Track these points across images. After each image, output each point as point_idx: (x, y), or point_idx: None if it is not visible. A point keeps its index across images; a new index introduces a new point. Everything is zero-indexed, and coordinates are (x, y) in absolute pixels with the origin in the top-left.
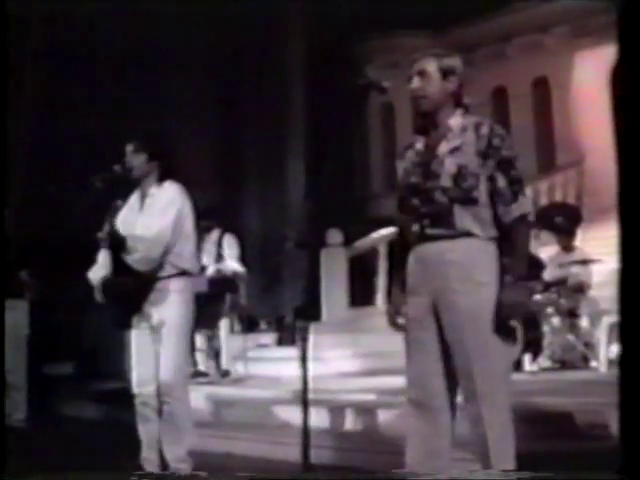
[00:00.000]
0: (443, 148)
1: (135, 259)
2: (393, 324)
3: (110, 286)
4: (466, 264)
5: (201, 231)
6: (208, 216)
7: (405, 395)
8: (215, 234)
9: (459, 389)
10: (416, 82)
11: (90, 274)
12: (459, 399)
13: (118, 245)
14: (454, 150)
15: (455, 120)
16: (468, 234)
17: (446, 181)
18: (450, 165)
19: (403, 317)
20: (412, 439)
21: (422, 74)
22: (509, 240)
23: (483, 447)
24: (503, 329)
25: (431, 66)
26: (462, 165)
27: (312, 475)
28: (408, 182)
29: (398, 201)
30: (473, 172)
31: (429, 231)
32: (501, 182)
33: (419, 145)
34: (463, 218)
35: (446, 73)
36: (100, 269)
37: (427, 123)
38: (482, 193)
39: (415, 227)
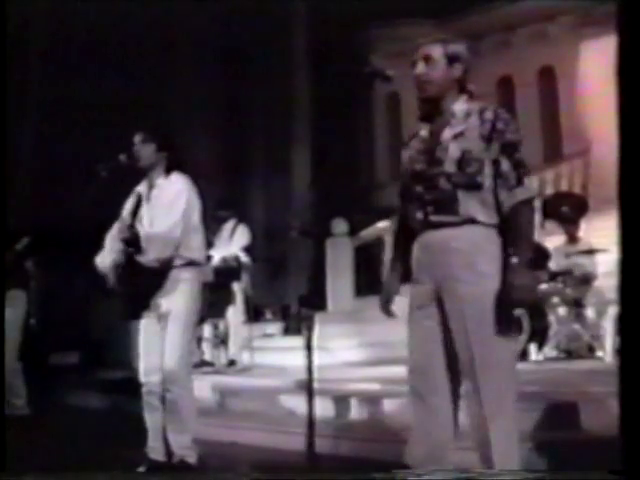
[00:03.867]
0: (447, 134)
1: (148, 259)
2: (386, 311)
3: (125, 276)
4: (470, 252)
5: (218, 221)
6: (226, 207)
7: (407, 384)
8: (230, 224)
9: (462, 380)
10: (421, 67)
11: (98, 260)
12: (462, 390)
13: (133, 244)
14: (458, 135)
15: (459, 106)
16: (472, 221)
17: (450, 167)
18: (454, 150)
19: (396, 304)
20: (414, 429)
21: (427, 59)
22: (512, 225)
23: (484, 443)
24: (507, 318)
25: (437, 52)
26: (466, 150)
27: (313, 475)
28: (412, 170)
29: (401, 189)
30: (477, 157)
31: (433, 218)
32: (505, 165)
33: (423, 132)
34: (467, 204)
35: (451, 59)
36: (108, 254)
37: (431, 109)
38: (486, 177)
39: (419, 214)
